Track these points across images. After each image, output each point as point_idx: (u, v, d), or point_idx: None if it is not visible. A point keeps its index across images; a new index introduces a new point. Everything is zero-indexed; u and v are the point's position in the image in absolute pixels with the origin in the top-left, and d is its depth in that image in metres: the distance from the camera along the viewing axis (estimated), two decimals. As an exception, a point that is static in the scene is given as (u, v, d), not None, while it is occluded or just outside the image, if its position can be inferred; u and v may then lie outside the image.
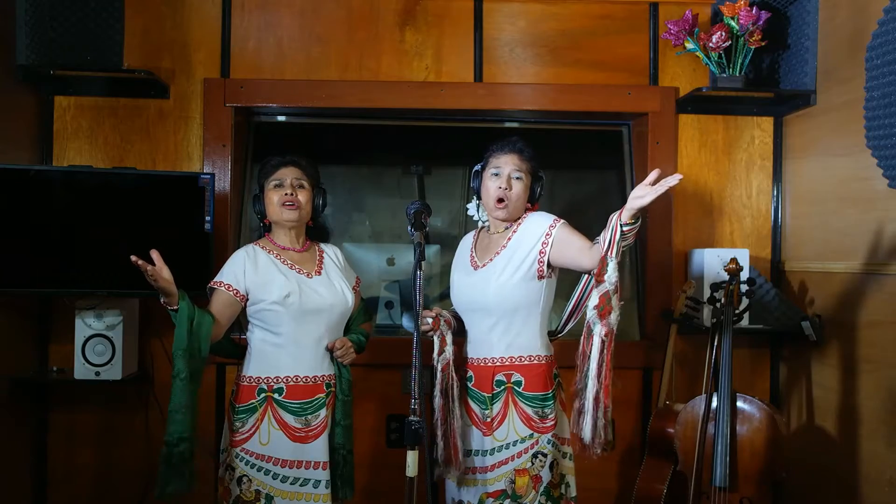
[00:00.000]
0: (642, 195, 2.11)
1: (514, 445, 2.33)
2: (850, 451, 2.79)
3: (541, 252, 2.33)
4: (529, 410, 2.33)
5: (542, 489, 2.31)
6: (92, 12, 2.95)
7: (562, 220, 2.37)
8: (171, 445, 2.31)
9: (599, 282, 2.20)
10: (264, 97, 3.21)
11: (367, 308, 2.68)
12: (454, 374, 2.40)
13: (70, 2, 2.92)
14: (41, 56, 2.88)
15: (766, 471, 2.74)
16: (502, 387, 2.36)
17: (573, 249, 2.30)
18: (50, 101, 3.15)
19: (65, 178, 2.91)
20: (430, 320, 2.41)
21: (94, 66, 2.97)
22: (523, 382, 2.34)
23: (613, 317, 2.20)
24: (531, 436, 2.32)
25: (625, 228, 2.15)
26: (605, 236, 2.19)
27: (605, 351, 2.21)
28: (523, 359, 2.36)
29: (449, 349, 2.41)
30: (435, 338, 2.42)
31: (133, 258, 2.18)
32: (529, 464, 2.32)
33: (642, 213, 2.17)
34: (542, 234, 2.35)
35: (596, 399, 2.21)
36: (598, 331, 2.20)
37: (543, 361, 2.37)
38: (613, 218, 2.18)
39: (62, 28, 2.92)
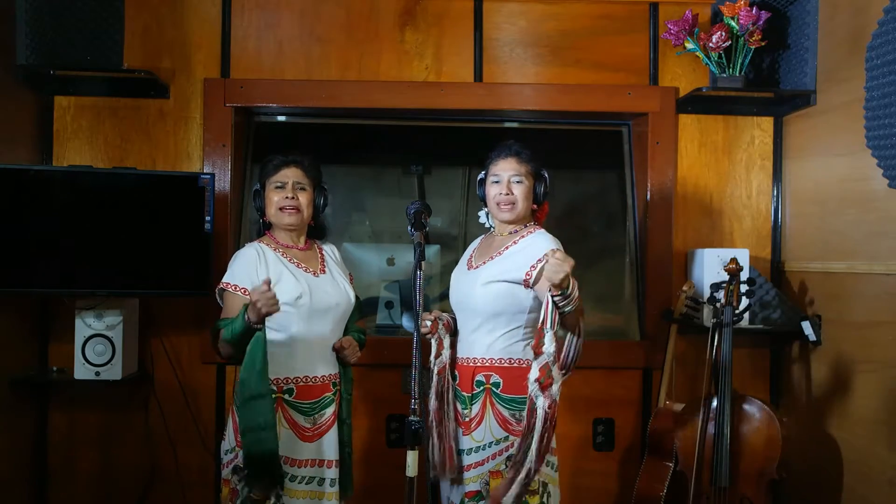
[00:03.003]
0: (556, 271, 2.09)
1: (489, 447, 2.33)
2: (849, 451, 2.79)
3: (527, 274, 2.32)
4: (506, 413, 2.32)
5: None
6: (92, 12, 2.94)
7: (558, 250, 2.34)
8: (266, 461, 2.26)
9: (538, 354, 2.18)
10: (264, 97, 3.21)
11: (360, 306, 2.67)
12: (450, 378, 2.40)
13: (70, 2, 2.91)
14: (41, 56, 2.88)
15: (765, 471, 2.74)
16: (482, 387, 2.35)
17: (547, 286, 2.27)
18: (50, 101, 3.15)
19: (65, 178, 2.91)
20: (428, 323, 2.42)
21: (94, 66, 2.96)
22: (501, 384, 2.33)
23: (555, 388, 2.18)
24: (506, 438, 2.31)
25: (556, 299, 2.15)
26: (542, 310, 2.20)
27: (548, 422, 2.18)
28: (503, 361, 2.34)
29: (446, 353, 2.42)
30: (433, 341, 2.43)
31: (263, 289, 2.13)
32: (503, 466, 2.30)
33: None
34: (535, 258, 2.32)
35: (528, 474, 2.19)
36: (542, 403, 2.17)
37: (525, 366, 2.32)
38: (548, 293, 2.17)
39: (62, 28, 2.91)
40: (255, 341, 2.24)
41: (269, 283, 2.15)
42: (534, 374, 2.18)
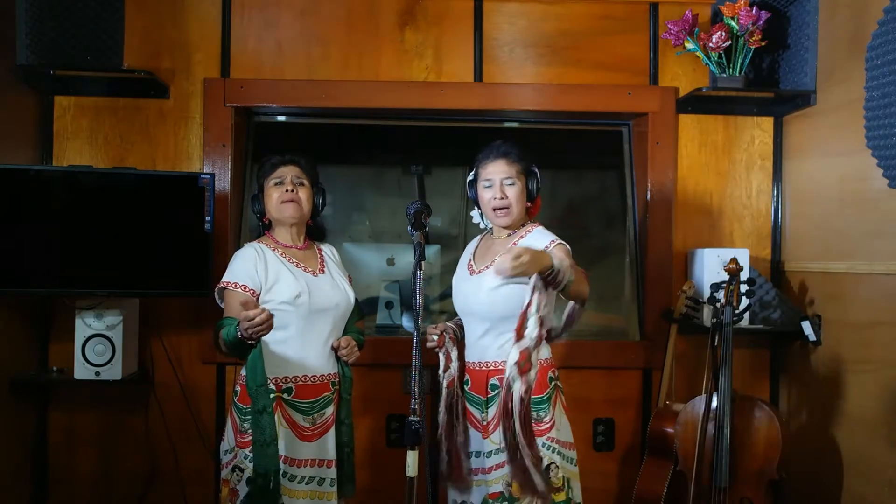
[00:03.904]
0: (502, 269, 2.05)
1: None
2: (850, 451, 2.79)
3: None
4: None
5: None
6: (92, 12, 2.94)
7: (558, 242, 2.35)
8: (268, 478, 2.26)
9: (520, 337, 2.14)
10: (264, 97, 3.21)
11: (359, 307, 2.68)
12: (459, 391, 2.40)
13: (70, 2, 2.91)
14: (41, 56, 2.88)
15: (765, 471, 2.74)
16: (497, 391, 2.33)
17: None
18: (50, 101, 3.15)
19: (65, 178, 2.91)
20: (435, 337, 2.41)
21: (94, 66, 2.96)
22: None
23: (533, 373, 2.16)
24: None
25: (546, 278, 2.11)
26: (528, 293, 2.16)
27: (524, 406, 2.16)
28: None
29: (454, 365, 2.41)
30: (440, 354, 2.43)
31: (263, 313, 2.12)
32: None
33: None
34: None
35: (533, 455, 2.17)
36: (518, 388, 2.15)
37: (538, 365, 2.31)
38: (534, 276, 2.14)
39: (62, 28, 2.91)
40: (253, 357, 2.26)
41: (255, 304, 2.14)
42: (513, 357, 2.15)
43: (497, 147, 2.44)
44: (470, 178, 2.51)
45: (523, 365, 2.14)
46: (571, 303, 2.35)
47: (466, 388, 2.42)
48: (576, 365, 3.16)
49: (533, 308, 2.14)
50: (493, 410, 2.35)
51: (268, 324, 2.16)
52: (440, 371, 2.42)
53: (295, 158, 2.52)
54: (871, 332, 2.69)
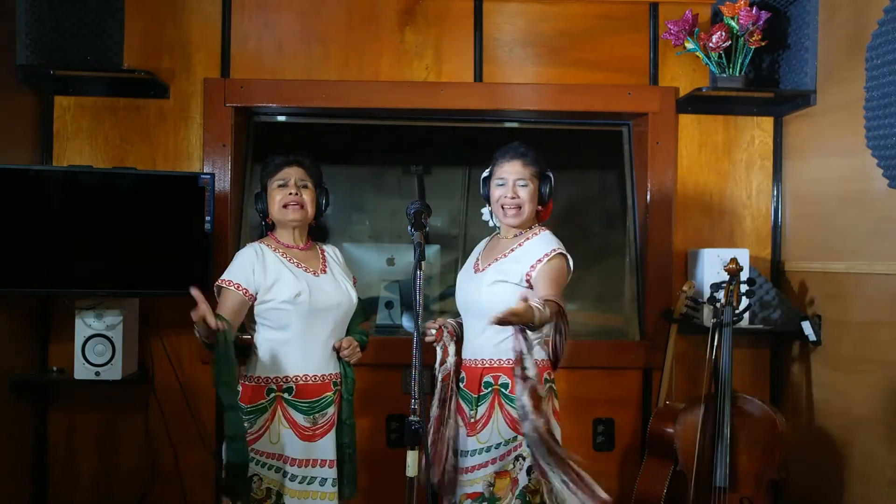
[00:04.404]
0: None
1: (496, 448, 2.33)
2: (849, 451, 2.79)
3: (528, 275, 2.34)
4: (515, 413, 2.28)
5: (517, 492, 2.29)
6: (92, 12, 2.94)
7: (557, 252, 2.34)
8: (236, 473, 2.25)
9: (526, 378, 2.10)
10: (264, 97, 3.21)
11: (363, 308, 2.68)
12: (454, 386, 2.41)
13: (70, 2, 2.91)
14: (41, 56, 2.88)
15: (765, 471, 2.74)
16: (489, 388, 2.36)
17: (540, 288, 2.27)
18: (50, 101, 3.15)
19: (65, 178, 2.91)
20: (433, 331, 2.43)
21: (94, 66, 2.96)
22: (510, 385, 2.32)
23: (545, 405, 2.16)
24: (515, 438, 2.31)
25: (528, 332, 2.11)
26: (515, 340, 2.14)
27: (551, 435, 2.12)
28: (512, 361, 2.31)
29: (450, 360, 2.43)
30: (438, 348, 2.44)
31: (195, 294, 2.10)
32: (511, 465, 2.31)
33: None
34: (536, 258, 2.34)
35: (576, 476, 2.13)
36: (537, 424, 2.09)
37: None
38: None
39: (62, 28, 2.91)
40: (215, 357, 2.23)
41: (198, 293, 2.12)
42: (524, 399, 2.09)
43: (515, 148, 2.46)
44: (484, 175, 2.52)
45: (534, 403, 2.11)
46: (547, 328, 2.26)
47: (461, 385, 2.43)
48: (576, 365, 3.15)
49: (525, 349, 2.11)
50: (482, 409, 2.36)
51: (205, 328, 2.12)
52: (436, 364, 2.43)
53: (299, 159, 2.51)
54: (871, 332, 2.69)
